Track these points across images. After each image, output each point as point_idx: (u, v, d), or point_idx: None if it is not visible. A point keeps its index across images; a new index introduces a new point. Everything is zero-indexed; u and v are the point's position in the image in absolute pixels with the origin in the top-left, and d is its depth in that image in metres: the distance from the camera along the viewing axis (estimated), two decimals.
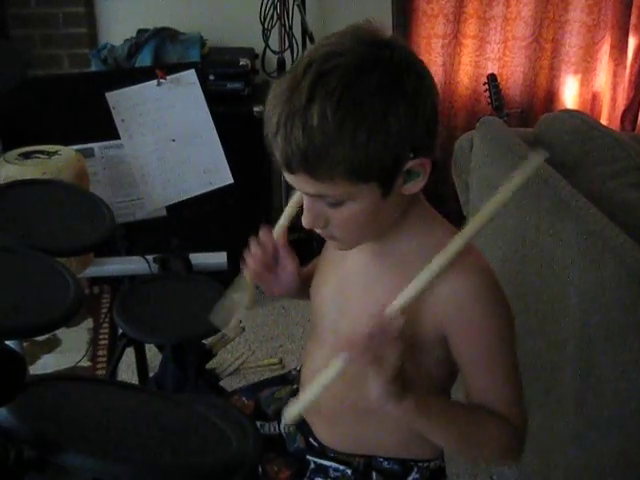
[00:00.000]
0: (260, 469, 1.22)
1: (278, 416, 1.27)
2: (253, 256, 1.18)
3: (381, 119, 0.89)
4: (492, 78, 3.06)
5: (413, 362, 1.03)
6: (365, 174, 0.91)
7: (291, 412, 0.97)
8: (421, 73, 0.94)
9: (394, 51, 0.92)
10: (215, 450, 0.83)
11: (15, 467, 0.71)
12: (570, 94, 3.29)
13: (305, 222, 1.00)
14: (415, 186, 0.96)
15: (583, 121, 1.97)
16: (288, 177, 0.95)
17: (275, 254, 1.20)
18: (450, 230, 1.07)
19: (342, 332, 1.10)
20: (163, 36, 2.95)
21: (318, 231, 1.02)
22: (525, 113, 3.26)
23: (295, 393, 1.27)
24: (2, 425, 0.73)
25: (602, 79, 3.28)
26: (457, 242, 0.92)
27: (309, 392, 0.97)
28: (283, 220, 1.21)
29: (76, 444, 0.72)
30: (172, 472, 0.72)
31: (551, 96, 3.31)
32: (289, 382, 1.32)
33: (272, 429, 1.27)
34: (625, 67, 3.26)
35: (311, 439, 1.20)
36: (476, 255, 1.05)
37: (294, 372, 1.33)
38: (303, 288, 1.22)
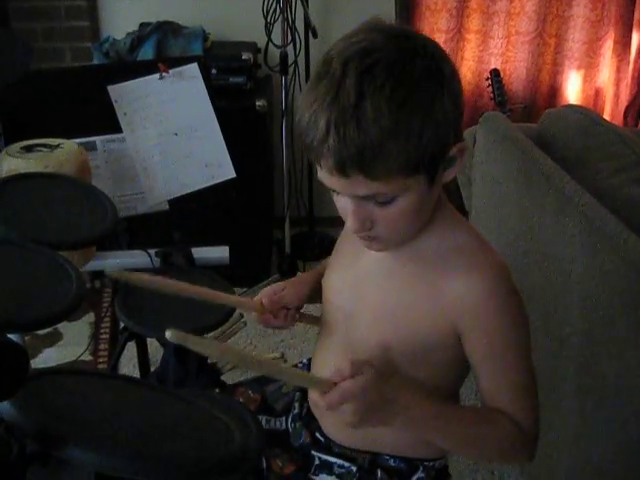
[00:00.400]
0: (265, 464, 1.22)
1: (286, 412, 1.27)
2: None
3: (430, 107, 0.90)
4: (495, 73, 3.05)
5: (425, 361, 1.05)
6: (418, 165, 0.92)
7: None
8: (448, 58, 0.96)
9: (421, 41, 0.94)
10: (218, 444, 0.83)
11: (18, 461, 0.71)
12: (573, 90, 3.28)
13: (351, 227, 0.98)
14: (452, 172, 0.98)
15: (586, 117, 1.96)
16: (337, 182, 0.93)
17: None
18: (468, 229, 1.07)
19: (355, 326, 1.10)
20: (165, 30, 2.95)
21: (359, 235, 1.01)
22: (528, 109, 3.26)
23: (301, 388, 1.27)
24: (5, 419, 0.73)
25: (605, 75, 3.27)
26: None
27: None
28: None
29: (79, 438, 0.72)
30: (175, 466, 0.72)
31: (554, 92, 3.31)
32: None
33: (278, 424, 1.27)
34: (628, 63, 3.26)
35: (318, 434, 1.20)
36: (492, 253, 1.05)
37: (300, 366, 1.33)
38: (312, 296, 1.25)
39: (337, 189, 0.96)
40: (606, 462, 1.52)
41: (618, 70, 3.27)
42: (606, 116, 3.25)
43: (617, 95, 3.31)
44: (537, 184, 1.76)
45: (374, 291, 1.09)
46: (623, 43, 3.23)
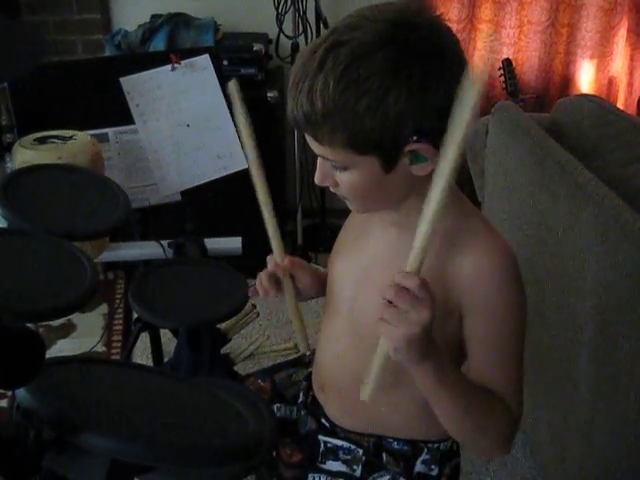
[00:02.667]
0: (275, 452, 1.23)
1: (295, 400, 1.28)
2: (270, 290, 1.21)
3: (381, 97, 0.89)
4: (507, 63, 3.04)
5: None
6: (362, 148, 0.93)
7: (364, 394, 0.95)
8: (442, 58, 0.93)
9: (413, 33, 0.91)
10: (233, 431, 0.84)
11: (34, 447, 0.72)
12: (586, 79, 3.26)
13: (315, 179, 1.04)
14: (422, 169, 0.96)
15: (600, 106, 1.95)
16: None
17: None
18: (473, 212, 1.08)
19: (360, 308, 1.10)
20: (177, 21, 2.95)
21: (333, 190, 1.04)
22: (540, 98, 3.24)
23: (311, 376, 1.27)
24: (22, 406, 0.73)
25: (618, 64, 3.25)
26: (439, 184, 0.87)
27: (372, 373, 0.96)
28: (276, 242, 1.22)
29: (95, 425, 0.72)
30: (191, 453, 0.72)
31: (567, 81, 3.28)
32: (305, 365, 1.32)
33: (288, 412, 1.28)
34: None
35: (323, 419, 1.21)
36: (500, 238, 1.05)
37: (309, 356, 1.33)
38: (322, 288, 1.25)
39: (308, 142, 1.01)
40: (619, 453, 1.51)
41: (632, 59, 3.25)
42: (619, 105, 3.23)
43: (631, 84, 3.29)
44: (550, 173, 1.75)
45: (380, 273, 1.08)
46: (637, 32, 3.21)
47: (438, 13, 1.00)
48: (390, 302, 0.90)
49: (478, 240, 1.02)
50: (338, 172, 0.99)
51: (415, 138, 0.93)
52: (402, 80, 0.89)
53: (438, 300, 1.00)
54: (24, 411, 0.73)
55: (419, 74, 0.90)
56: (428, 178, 0.98)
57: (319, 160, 1.01)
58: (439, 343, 0.97)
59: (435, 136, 0.91)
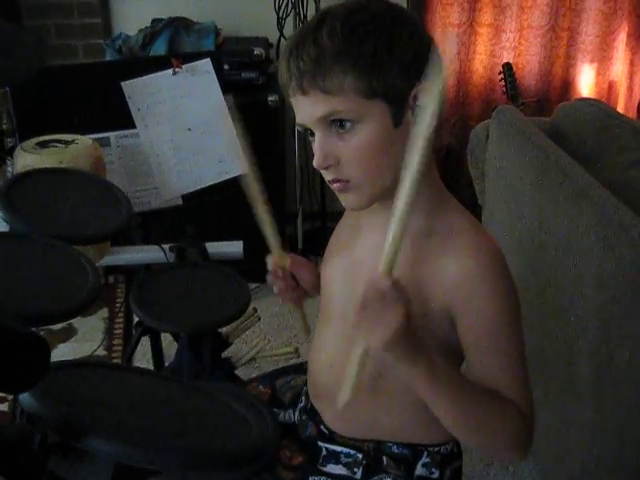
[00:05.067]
0: None
1: (294, 404, 1.28)
2: (280, 291, 1.26)
3: (387, 35, 0.95)
4: (507, 67, 3.04)
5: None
6: (373, 89, 0.95)
7: (341, 400, 0.95)
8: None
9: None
10: (236, 436, 0.84)
11: (39, 452, 0.71)
12: (586, 83, 3.27)
13: (316, 162, 1.01)
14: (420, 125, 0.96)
15: (601, 110, 1.96)
16: (302, 109, 0.99)
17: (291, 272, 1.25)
18: (460, 211, 1.07)
19: (351, 313, 1.10)
20: (177, 26, 2.95)
21: (328, 178, 1.02)
22: (541, 102, 3.24)
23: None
24: (27, 410, 0.73)
25: (618, 68, 3.26)
26: (407, 181, 0.88)
27: (348, 376, 0.96)
28: (273, 241, 1.23)
29: (99, 429, 0.72)
30: (195, 457, 0.72)
31: (567, 85, 3.29)
32: (304, 371, 1.32)
33: (287, 417, 1.28)
34: None
35: (322, 427, 1.21)
36: (486, 237, 1.05)
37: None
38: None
39: (304, 119, 1.00)
40: (621, 456, 1.51)
41: (632, 63, 3.26)
42: (619, 109, 3.24)
43: (631, 88, 3.29)
44: (551, 177, 1.75)
45: (367, 275, 1.08)
46: (637, 36, 3.22)
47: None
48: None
49: (463, 240, 1.02)
50: (342, 142, 0.97)
51: (418, 81, 0.95)
52: (401, 20, 0.98)
53: (425, 303, 1.01)
54: (29, 415, 0.73)
55: (412, 18, 1.00)
56: (424, 179, 0.99)
57: (319, 137, 0.99)
58: (431, 345, 0.97)
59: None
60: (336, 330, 1.14)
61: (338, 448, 1.18)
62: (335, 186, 1.03)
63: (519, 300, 1.04)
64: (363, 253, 1.11)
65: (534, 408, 1.04)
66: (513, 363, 1.03)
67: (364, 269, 1.09)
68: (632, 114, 3.26)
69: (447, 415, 1.02)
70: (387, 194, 1.01)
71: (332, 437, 1.19)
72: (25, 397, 0.73)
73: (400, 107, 0.97)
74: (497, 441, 1.04)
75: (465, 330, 1.03)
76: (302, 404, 1.27)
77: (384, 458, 1.15)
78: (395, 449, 1.15)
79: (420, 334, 0.95)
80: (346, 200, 1.05)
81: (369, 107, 0.96)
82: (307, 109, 0.99)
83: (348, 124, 0.97)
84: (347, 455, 1.18)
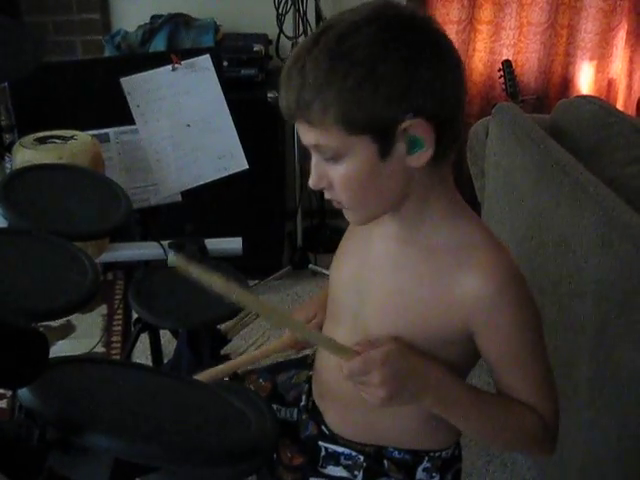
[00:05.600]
0: (275, 454, 1.22)
1: (296, 402, 1.28)
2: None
3: (370, 69, 0.89)
4: (507, 64, 3.04)
5: (433, 355, 1.04)
6: (355, 125, 0.91)
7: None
8: (430, 39, 0.94)
9: (400, 13, 0.94)
10: (236, 431, 0.83)
11: (39, 447, 0.71)
12: (586, 80, 3.26)
13: (310, 182, 1.00)
14: (420, 158, 0.93)
15: (600, 107, 1.95)
16: (296, 125, 0.98)
17: None
18: (478, 225, 1.06)
19: (361, 319, 1.10)
20: (177, 22, 2.94)
21: (328, 196, 1.02)
22: (540, 100, 3.24)
23: (309, 379, 1.27)
24: (25, 405, 0.73)
25: (618, 66, 3.26)
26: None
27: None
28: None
29: (99, 425, 0.72)
30: (195, 453, 0.72)
31: (566, 82, 3.29)
32: (308, 366, 1.32)
33: (288, 414, 1.27)
34: None
35: (323, 427, 1.20)
36: (503, 250, 1.03)
37: (312, 356, 1.33)
38: None
39: (301, 140, 0.99)
40: (620, 455, 1.51)
41: (631, 61, 3.25)
42: (619, 107, 3.23)
43: (630, 86, 3.29)
44: (551, 175, 1.75)
45: (380, 284, 1.08)
46: (636, 34, 3.21)
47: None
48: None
49: (480, 256, 1.00)
50: (331, 167, 0.96)
51: (410, 115, 0.91)
52: (391, 51, 0.90)
53: (441, 316, 1.02)
54: (28, 411, 0.73)
55: (407, 46, 0.90)
56: (425, 178, 0.98)
57: (313, 160, 0.99)
58: (436, 369, 1.01)
59: (430, 116, 0.91)
60: (344, 332, 1.13)
61: (339, 449, 1.18)
62: (333, 204, 1.03)
63: (539, 312, 1.04)
64: (375, 259, 1.10)
65: (558, 415, 1.06)
66: (536, 376, 1.04)
67: (376, 274, 1.09)
68: (631, 111, 3.26)
69: (463, 427, 1.08)
70: (390, 210, 1.02)
71: (333, 437, 1.19)
72: (24, 393, 0.73)
73: (387, 140, 0.93)
74: (515, 446, 1.11)
75: (486, 346, 1.03)
76: (303, 403, 1.26)
77: (385, 462, 1.15)
78: (396, 454, 1.15)
79: (419, 363, 1.00)
80: (347, 216, 1.05)
81: (353, 142, 0.93)
82: (300, 134, 0.98)
83: (332, 157, 0.96)
84: (347, 457, 1.17)
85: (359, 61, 0.89)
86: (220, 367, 1.28)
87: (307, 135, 0.96)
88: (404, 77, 0.90)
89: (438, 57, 0.92)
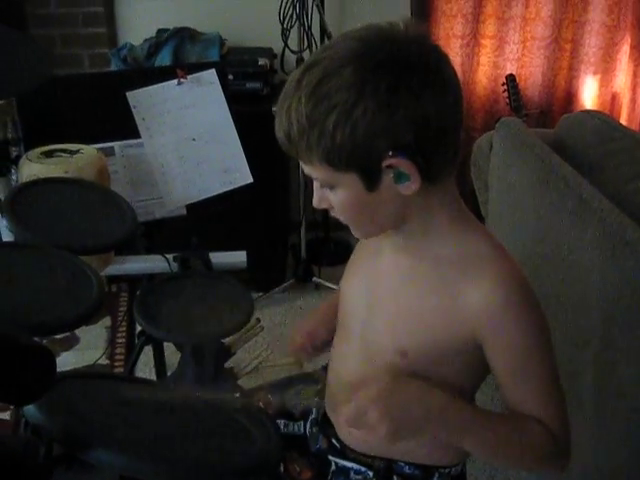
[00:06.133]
0: (282, 468, 1.22)
1: (304, 416, 1.28)
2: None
3: (348, 112, 0.91)
4: (511, 78, 3.04)
5: (442, 366, 1.05)
6: (338, 164, 0.94)
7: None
8: (413, 72, 0.92)
9: (382, 49, 0.92)
10: (240, 449, 0.84)
11: (45, 463, 0.72)
12: (589, 95, 3.27)
13: (313, 202, 1.05)
14: (407, 188, 0.96)
15: (604, 122, 1.96)
16: None
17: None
18: (485, 236, 1.06)
19: (372, 332, 1.10)
20: (183, 36, 2.96)
21: (332, 214, 1.05)
22: (544, 114, 3.25)
23: (320, 393, 1.27)
24: (31, 422, 0.73)
25: (622, 80, 3.26)
26: None
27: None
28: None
29: (103, 441, 0.73)
30: (199, 471, 0.72)
31: (570, 97, 3.29)
32: (315, 382, 1.32)
33: (296, 429, 1.28)
34: None
35: (333, 440, 1.20)
36: (510, 262, 1.04)
37: (320, 371, 1.33)
38: None
39: None
40: (623, 467, 1.51)
41: (635, 75, 3.25)
42: (623, 121, 3.23)
43: (634, 100, 3.29)
44: (555, 189, 1.75)
45: (389, 297, 1.09)
46: None
47: (423, 31, 0.99)
48: None
49: (487, 267, 1.01)
50: (330, 191, 1.00)
51: (390, 153, 0.93)
52: (368, 94, 0.90)
53: (448, 327, 1.02)
54: (34, 427, 0.73)
55: (385, 88, 0.91)
56: (423, 198, 0.99)
57: (315, 183, 1.03)
58: (435, 395, 1.01)
59: (412, 152, 0.93)
60: (355, 347, 1.14)
61: (348, 464, 1.18)
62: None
63: (547, 322, 1.04)
64: (384, 271, 1.11)
65: (568, 429, 1.05)
66: (544, 387, 1.04)
67: (384, 287, 1.10)
68: (635, 126, 3.26)
69: (470, 449, 1.08)
70: (392, 228, 1.05)
71: (343, 451, 1.19)
72: (30, 409, 0.74)
73: (372, 175, 0.96)
74: (526, 464, 1.11)
75: (495, 356, 1.04)
76: (313, 416, 1.26)
77: (395, 477, 1.15)
78: (407, 469, 1.15)
79: (417, 392, 1.01)
80: (353, 232, 1.08)
81: (340, 177, 0.96)
82: None
83: (327, 186, 1.00)
84: (357, 472, 1.17)
85: (338, 104, 0.91)
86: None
87: (303, 166, 1.00)
88: (381, 118, 0.91)
89: (421, 90, 0.92)
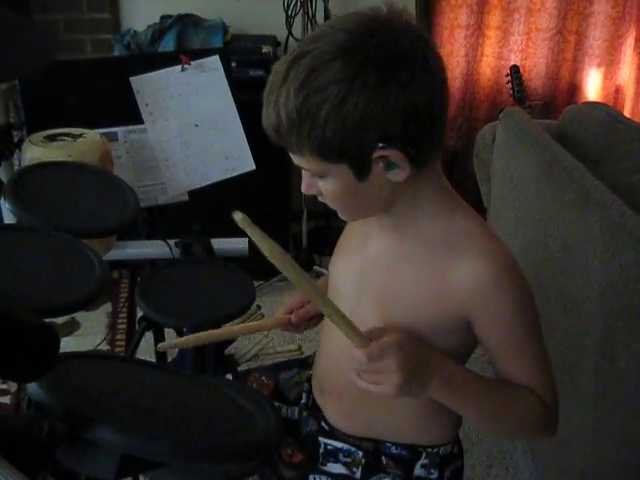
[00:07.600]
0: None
1: (298, 401, 1.29)
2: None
3: (338, 105, 0.91)
4: (515, 70, 3.04)
5: (436, 342, 1.06)
6: (329, 156, 0.95)
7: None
8: (401, 63, 0.93)
9: (371, 40, 0.92)
10: (242, 429, 0.84)
11: (47, 441, 0.72)
12: (593, 87, 3.27)
13: (302, 188, 1.05)
14: (398, 175, 0.97)
15: (608, 114, 1.96)
16: None
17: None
18: (471, 215, 1.08)
19: (361, 311, 1.11)
20: (186, 22, 2.96)
21: (321, 199, 1.06)
22: (547, 105, 3.25)
23: (310, 379, 1.28)
24: (35, 399, 0.74)
25: (626, 72, 3.26)
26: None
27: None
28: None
29: (106, 419, 0.73)
30: (201, 449, 0.73)
31: (574, 89, 3.29)
32: (308, 366, 1.33)
33: (289, 413, 1.29)
34: None
35: (323, 422, 1.22)
36: (496, 241, 1.06)
37: (313, 357, 1.34)
38: None
39: None
40: (621, 460, 1.51)
41: (639, 67, 3.25)
42: (626, 113, 3.23)
43: (638, 92, 3.29)
44: (557, 180, 1.76)
45: (379, 275, 1.10)
46: None
47: (407, 18, 0.97)
48: None
49: (475, 244, 1.03)
50: (319, 180, 1.01)
51: (381, 145, 0.94)
52: (358, 87, 0.91)
53: (438, 305, 1.03)
54: (37, 405, 0.74)
55: (375, 82, 0.91)
56: (411, 181, 1.00)
57: (303, 171, 1.03)
58: (441, 357, 1.02)
59: (402, 142, 0.94)
60: None
61: (338, 444, 1.19)
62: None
63: (533, 295, 1.06)
64: (375, 252, 1.12)
65: (557, 396, 1.08)
66: (534, 358, 1.06)
67: (373, 267, 1.11)
68: (638, 118, 3.26)
69: (467, 414, 1.09)
70: (381, 212, 1.06)
71: (332, 433, 1.20)
72: (33, 387, 0.74)
73: (363, 166, 0.96)
74: (518, 432, 1.14)
75: (484, 332, 1.05)
76: (303, 401, 1.28)
77: (383, 458, 1.17)
78: (394, 450, 1.16)
79: (427, 350, 1.02)
80: (340, 215, 1.09)
81: (330, 167, 0.97)
82: None
83: (317, 175, 1.00)
84: (346, 454, 1.18)
85: (328, 98, 0.91)
86: (201, 334, 1.28)
87: (292, 157, 1.00)
88: (372, 111, 0.91)
89: (409, 81, 0.93)
